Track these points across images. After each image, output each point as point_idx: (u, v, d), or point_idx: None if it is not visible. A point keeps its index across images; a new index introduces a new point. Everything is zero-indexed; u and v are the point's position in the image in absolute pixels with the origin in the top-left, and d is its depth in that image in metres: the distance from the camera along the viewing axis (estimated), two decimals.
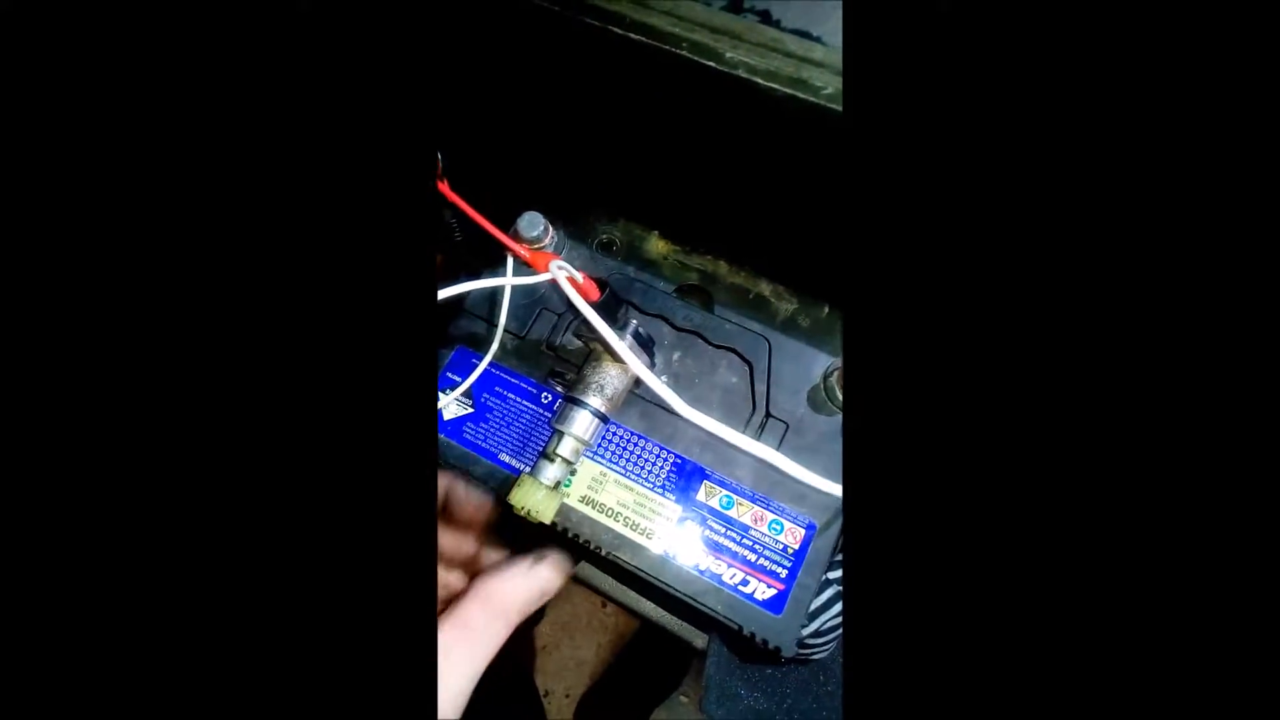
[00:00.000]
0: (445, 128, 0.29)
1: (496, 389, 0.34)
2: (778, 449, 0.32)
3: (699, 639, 0.49)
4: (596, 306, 0.28)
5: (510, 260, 0.34)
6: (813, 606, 0.32)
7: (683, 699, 1.07)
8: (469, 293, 0.36)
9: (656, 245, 0.36)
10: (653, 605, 0.50)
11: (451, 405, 0.34)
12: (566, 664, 1.06)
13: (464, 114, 0.38)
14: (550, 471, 0.30)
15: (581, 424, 0.30)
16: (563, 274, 0.28)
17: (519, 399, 0.34)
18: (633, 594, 0.50)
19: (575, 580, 0.54)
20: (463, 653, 0.29)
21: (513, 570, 0.31)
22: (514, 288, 0.34)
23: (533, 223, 0.34)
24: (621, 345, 0.28)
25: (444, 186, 0.29)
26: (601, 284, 0.30)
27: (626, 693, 1.02)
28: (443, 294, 0.30)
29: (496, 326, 0.34)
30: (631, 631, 1.07)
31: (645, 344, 0.31)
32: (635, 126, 0.36)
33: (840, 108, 0.25)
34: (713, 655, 0.48)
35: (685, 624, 0.50)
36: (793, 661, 0.44)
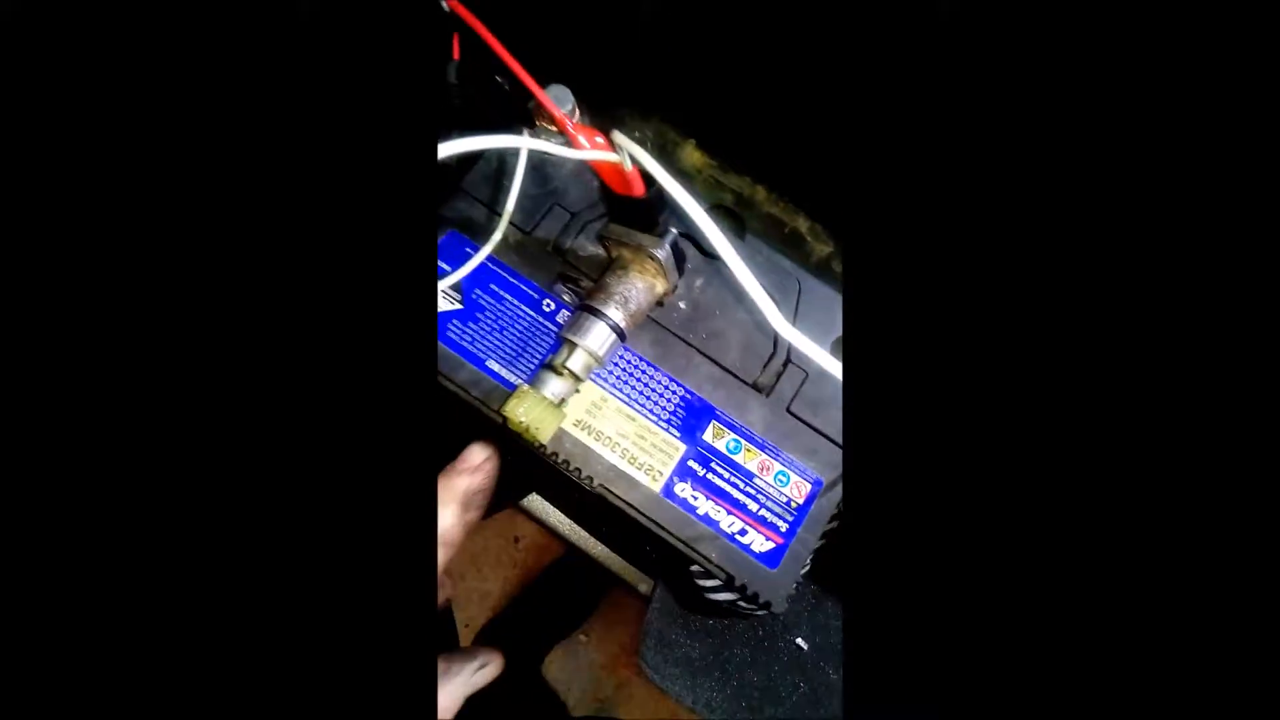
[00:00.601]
0: None
1: (492, 286, 0.30)
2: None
3: (644, 584, 0.48)
4: (643, 203, 0.24)
5: (526, 131, 0.29)
6: None
7: (582, 638, 1.08)
8: (471, 170, 0.31)
9: (691, 156, 0.32)
10: (602, 548, 0.48)
11: (438, 297, 0.29)
12: (471, 595, 1.03)
13: None
14: (555, 385, 0.26)
15: (598, 337, 0.26)
16: (639, 149, 0.23)
17: (517, 302, 0.29)
18: (582, 533, 0.48)
19: (519, 510, 0.51)
20: None
21: (460, 675, 0.27)
22: (525, 175, 0.29)
23: (561, 98, 0.29)
24: (720, 237, 0.23)
25: (459, 7, 0.24)
26: (647, 178, 0.26)
27: (527, 629, 1.01)
28: (444, 150, 0.25)
29: (500, 215, 0.29)
30: (539, 570, 1.06)
31: (680, 260, 0.27)
32: (685, 10, 0.31)
33: None
34: (656, 602, 0.46)
35: (631, 568, 0.48)
36: (736, 615, 0.44)
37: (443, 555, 0.25)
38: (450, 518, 0.25)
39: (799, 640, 0.46)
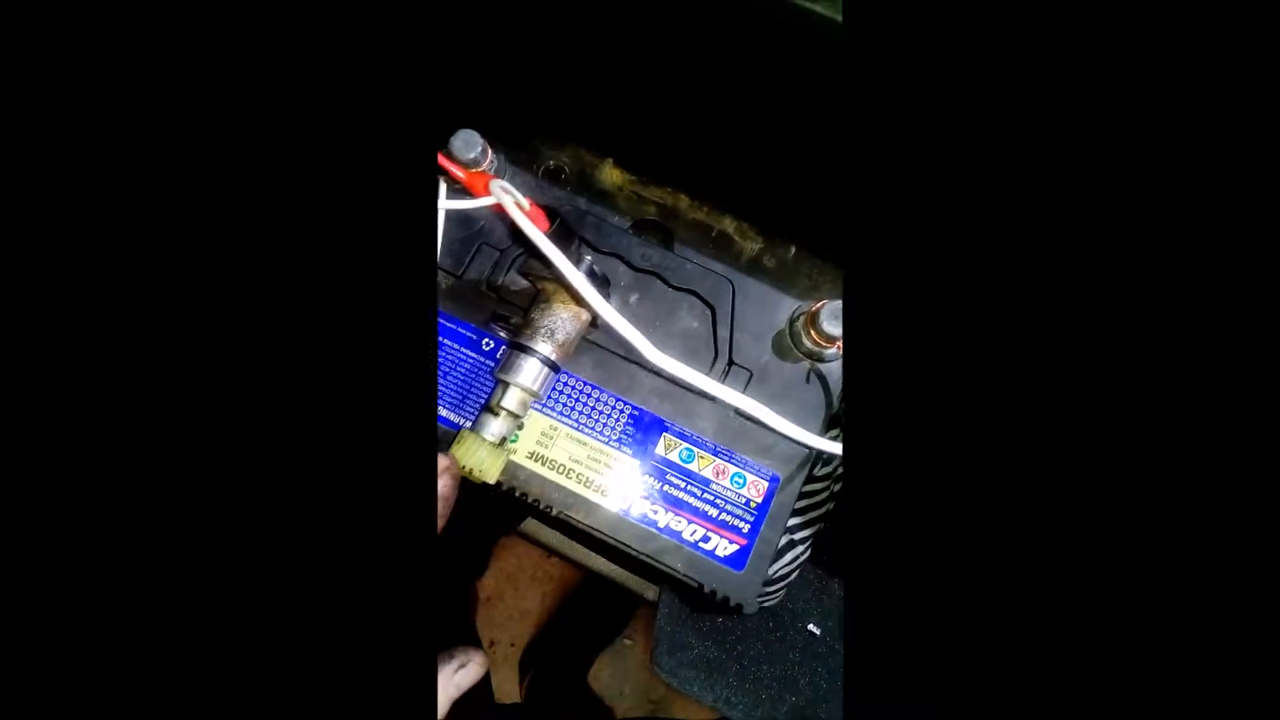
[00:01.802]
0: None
1: None
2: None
3: (649, 591, 0.49)
4: (548, 236, 0.25)
5: (443, 185, 0.30)
6: None
7: (627, 642, 1.09)
8: None
9: (610, 174, 0.32)
10: (602, 560, 0.48)
11: None
12: (511, 614, 1.05)
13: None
14: (494, 426, 0.27)
15: (529, 374, 0.27)
16: (508, 197, 0.24)
17: (456, 346, 0.30)
18: (580, 549, 0.48)
19: (518, 535, 0.52)
20: None
21: (440, 675, 0.28)
22: (448, 216, 0.30)
23: (469, 143, 0.29)
24: (580, 278, 0.24)
25: None
26: (551, 214, 0.27)
27: (572, 639, 1.03)
28: None
29: None
30: (576, 581, 1.07)
31: (600, 284, 0.28)
32: (588, 34, 0.31)
33: (840, 17, 0.22)
34: (663, 607, 0.47)
35: (635, 577, 0.49)
36: (726, 607, 0.44)
37: None
38: None
39: (810, 626, 0.46)
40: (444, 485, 0.27)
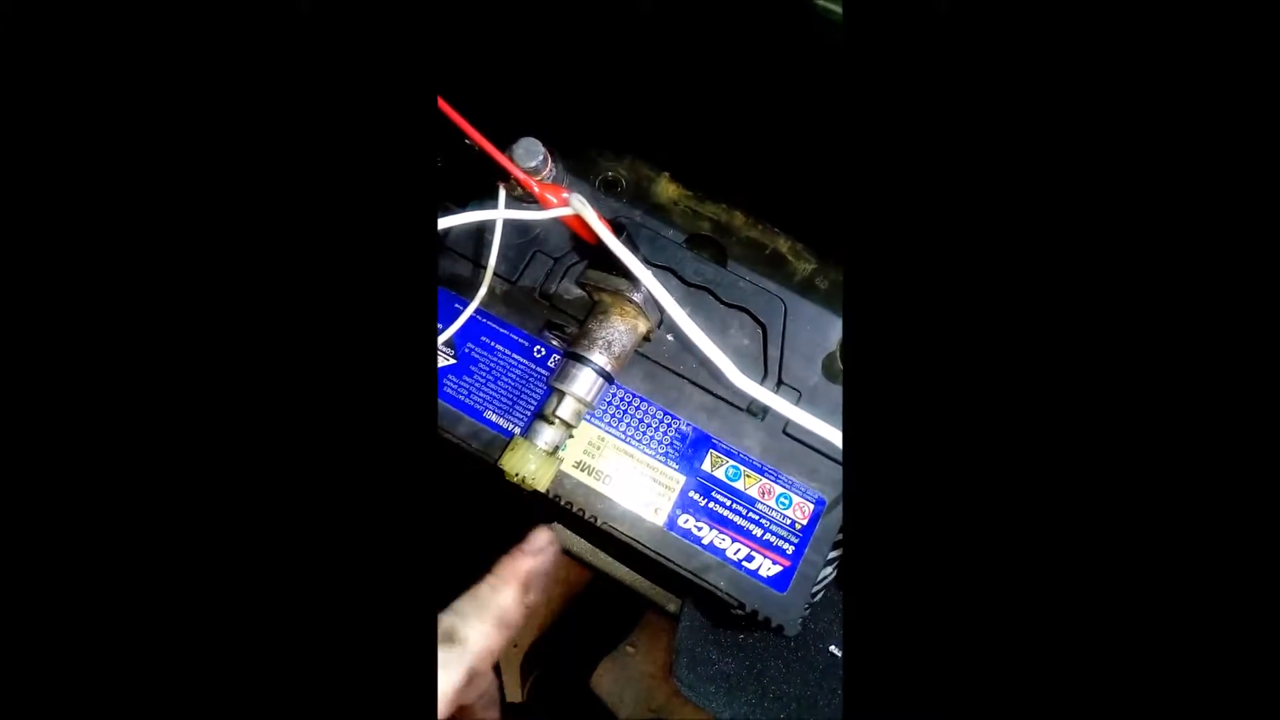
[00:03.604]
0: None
1: (483, 339, 0.31)
2: (787, 422, 0.30)
3: (671, 603, 0.48)
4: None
5: (502, 193, 0.30)
6: None
7: (629, 649, 1.09)
8: (451, 227, 0.32)
9: (666, 188, 0.33)
10: (625, 569, 0.48)
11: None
12: None
13: (451, 21, 0.33)
14: (548, 435, 0.27)
15: (584, 384, 0.27)
16: (588, 209, 0.24)
17: (508, 351, 0.30)
18: (604, 556, 0.48)
19: None
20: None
21: (515, 560, 0.27)
22: (506, 225, 0.30)
23: (531, 151, 0.29)
24: (667, 298, 0.24)
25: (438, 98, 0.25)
26: (617, 226, 0.27)
27: (575, 643, 1.02)
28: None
29: (484, 269, 0.30)
30: (581, 584, 1.07)
31: None
32: (649, 46, 0.32)
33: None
34: (685, 620, 0.47)
35: (657, 588, 0.48)
36: (766, 627, 0.44)
37: (501, 637, 0.23)
38: (510, 598, 0.23)
39: (833, 648, 0.46)
40: (548, 560, 0.25)
